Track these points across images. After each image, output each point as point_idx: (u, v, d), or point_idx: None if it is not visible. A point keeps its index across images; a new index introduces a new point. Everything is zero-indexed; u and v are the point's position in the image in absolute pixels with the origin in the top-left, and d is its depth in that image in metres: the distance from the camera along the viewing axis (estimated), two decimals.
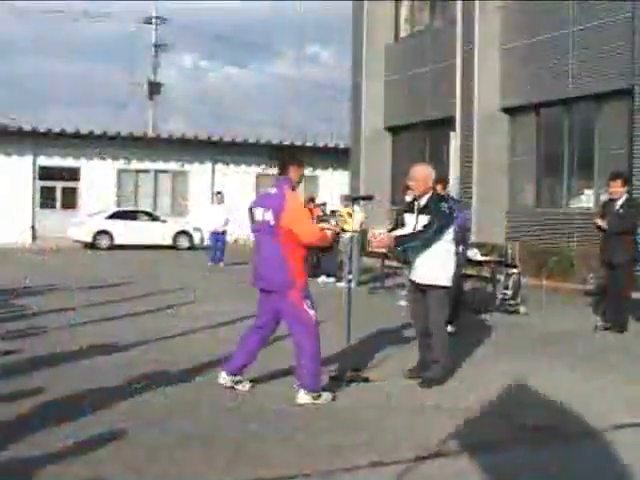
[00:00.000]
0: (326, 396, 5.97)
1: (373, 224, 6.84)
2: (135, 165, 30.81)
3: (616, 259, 9.68)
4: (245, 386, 6.25)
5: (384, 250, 9.69)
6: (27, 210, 28.96)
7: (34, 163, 29.14)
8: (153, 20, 41.89)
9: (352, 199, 12.09)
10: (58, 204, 29.78)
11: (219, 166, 31.93)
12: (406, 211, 6.88)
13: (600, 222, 9.79)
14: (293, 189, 6.13)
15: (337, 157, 30.10)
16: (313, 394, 5.90)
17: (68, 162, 29.60)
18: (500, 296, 11.36)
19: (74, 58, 77.21)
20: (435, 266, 6.54)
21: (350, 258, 14.10)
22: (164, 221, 27.90)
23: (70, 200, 29.82)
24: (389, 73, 23.02)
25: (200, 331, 9.25)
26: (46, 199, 29.47)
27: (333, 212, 14.19)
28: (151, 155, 30.85)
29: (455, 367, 7.05)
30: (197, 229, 27.00)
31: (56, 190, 29.75)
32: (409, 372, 6.73)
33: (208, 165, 31.80)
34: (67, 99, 71.11)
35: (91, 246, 26.19)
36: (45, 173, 29.26)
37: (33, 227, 29.08)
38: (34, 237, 28.92)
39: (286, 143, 31.90)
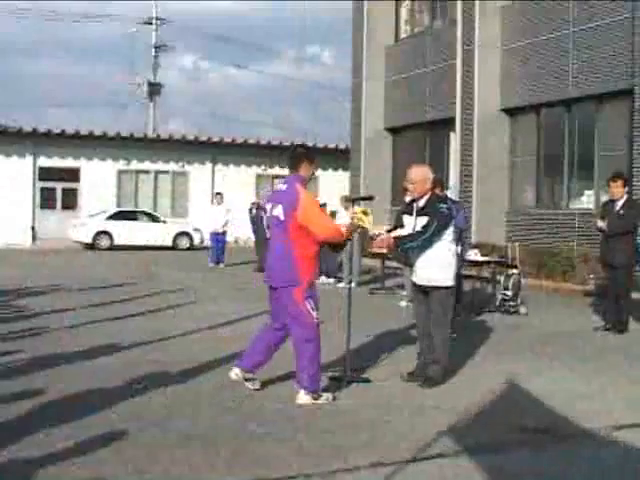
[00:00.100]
0: (326, 396, 5.97)
1: (373, 224, 6.80)
2: (135, 166, 30.81)
3: (616, 260, 9.68)
4: (255, 384, 6.20)
5: (384, 251, 9.67)
6: (27, 211, 28.96)
7: (34, 164, 29.14)
8: (153, 21, 41.89)
9: (352, 200, 12.10)
10: (58, 205, 29.77)
11: (219, 167, 31.94)
12: (405, 213, 6.85)
13: (600, 223, 9.79)
14: (304, 186, 6.08)
15: (337, 158, 30.10)
16: (313, 394, 5.90)
17: (68, 163, 29.60)
18: (500, 296, 11.36)
19: (74, 59, 77.30)
20: (437, 267, 6.53)
21: (350, 259, 14.21)
22: (164, 222, 27.93)
23: (70, 201, 29.81)
24: (389, 74, 23.03)
25: (200, 331, 9.25)
26: (46, 200, 29.46)
27: (333, 213, 14.21)
28: (151, 156, 30.86)
29: (455, 367, 7.05)
30: (197, 230, 27.02)
31: (56, 191, 29.74)
32: (408, 375, 6.72)
33: (208, 166, 31.81)
34: (67, 100, 71.20)
35: (91, 247, 26.21)
36: (45, 174, 29.26)
37: (33, 228, 29.08)
38: (34, 238, 28.91)
39: (286, 144, 31.89)
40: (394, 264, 13.82)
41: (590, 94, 16.40)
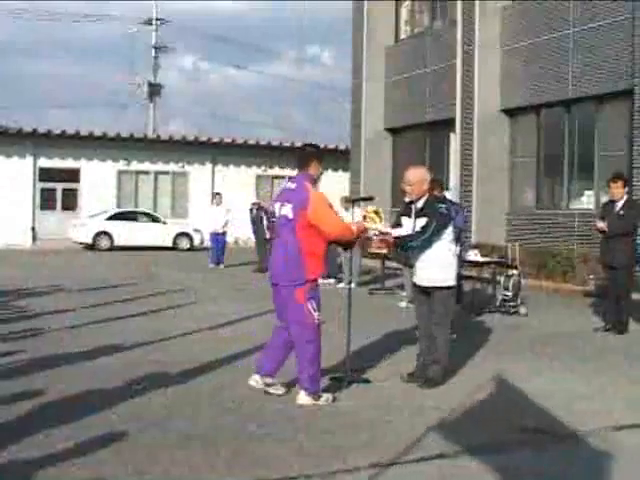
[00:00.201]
0: (326, 397, 5.97)
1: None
2: (135, 166, 30.81)
3: (616, 260, 9.68)
4: (278, 390, 6.10)
5: (384, 251, 9.70)
6: (27, 211, 28.96)
7: (34, 164, 29.14)
8: (153, 21, 41.89)
9: (352, 200, 12.11)
10: (58, 205, 29.77)
11: (219, 167, 31.94)
12: (403, 214, 6.84)
13: (601, 224, 9.78)
14: (313, 185, 6.06)
15: (337, 158, 30.12)
16: (313, 395, 5.90)
17: (68, 163, 29.61)
18: (500, 297, 11.36)
19: (74, 59, 77.31)
20: (438, 267, 6.53)
21: (350, 259, 14.21)
22: (164, 222, 27.93)
23: (70, 201, 29.82)
24: (389, 74, 23.04)
25: (201, 332, 9.26)
26: (46, 200, 29.46)
27: None
28: (151, 156, 30.87)
29: (455, 368, 7.05)
30: (197, 230, 27.03)
31: (56, 191, 29.74)
32: (408, 376, 6.72)
33: (208, 166, 31.81)
34: (67, 100, 71.25)
35: (91, 247, 26.21)
36: (45, 174, 29.25)
37: (33, 228, 29.08)
38: (34, 238, 28.92)
39: (286, 144, 31.91)
40: (394, 264, 13.83)
41: (590, 94, 16.41)
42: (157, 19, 41.92)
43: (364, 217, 6.55)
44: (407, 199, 6.78)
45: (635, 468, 4.69)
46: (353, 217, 9.78)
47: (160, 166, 31.19)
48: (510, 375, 6.94)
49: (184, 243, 27.35)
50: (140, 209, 29.37)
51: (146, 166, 30.98)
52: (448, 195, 12.86)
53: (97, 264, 20.48)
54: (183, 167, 31.49)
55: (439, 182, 9.96)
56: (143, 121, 40.86)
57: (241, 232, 26.29)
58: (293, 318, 5.95)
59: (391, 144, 23.52)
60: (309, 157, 6.17)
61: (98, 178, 29.71)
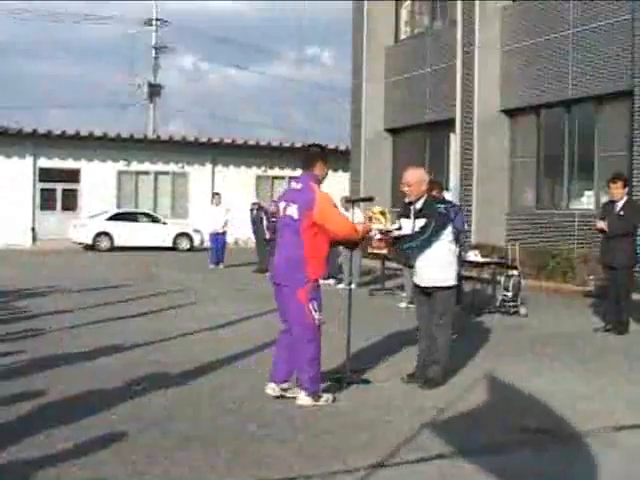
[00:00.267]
0: (326, 397, 5.97)
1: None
2: (135, 167, 30.81)
3: (616, 261, 9.68)
4: (296, 393, 6.03)
5: (384, 251, 9.68)
6: (27, 212, 28.95)
7: (34, 165, 29.13)
8: (153, 22, 41.90)
9: (352, 201, 12.12)
10: (58, 206, 29.76)
11: (219, 168, 31.94)
12: (402, 216, 6.84)
13: (601, 224, 9.78)
14: (318, 185, 6.06)
15: (337, 159, 30.11)
16: (313, 396, 5.90)
17: (68, 164, 29.60)
18: (500, 297, 11.36)
19: (74, 60, 77.34)
20: (438, 267, 6.53)
21: (350, 260, 14.21)
22: (164, 223, 27.94)
23: (70, 202, 29.81)
24: (389, 75, 23.04)
25: (201, 333, 9.25)
26: (46, 201, 29.45)
27: None
28: (151, 157, 30.87)
29: (455, 368, 7.05)
30: (197, 231, 27.03)
31: (56, 192, 29.72)
32: (408, 377, 6.72)
33: (208, 167, 31.81)
34: (67, 101, 71.26)
35: (91, 248, 26.21)
36: (45, 175, 29.24)
37: (33, 229, 29.07)
38: (34, 239, 28.91)
39: (286, 145, 31.92)
40: (394, 265, 13.83)
41: (590, 95, 16.41)
42: (157, 19, 41.92)
43: (370, 218, 6.54)
44: (406, 200, 6.78)
45: (636, 468, 4.69)
46: (353, 218, 9.77)
47: (160, 166, 31.18)
48: (510, 375, 6.94)
49: (184, 243, 27.36)
50: (140, 209, 29.37)
51: (146, 166, 30.98)
52: (448, 195, 12.89)
53: (97, 264, 20.48)
54: (183, 167, 31.49)
55: (439, 183, 9.98)
56: (143, 121, 40.89)
57: (241, 232, 26.30)
58: (294, 318, 5.95)
59: (391, 144, 23.52)
60: (314, 157, 6.18)
61: (98, 178, 29.71)
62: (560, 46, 16.96)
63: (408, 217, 6.69)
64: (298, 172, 6.53)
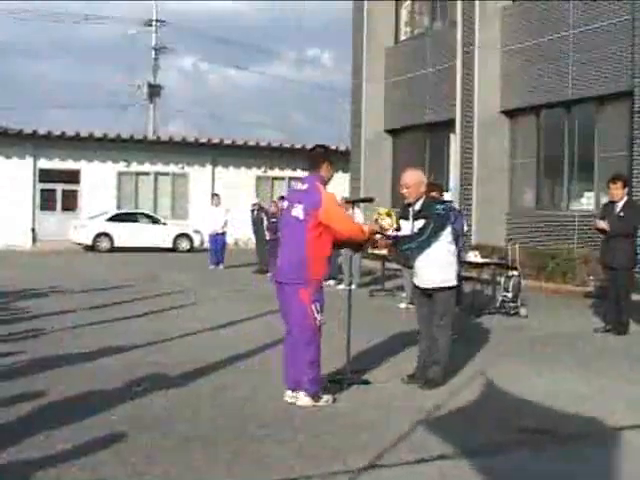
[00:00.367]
0: (326, 398, 5.97)
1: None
2: (135, 167, 30.80)
3: (616, 261, 9.68)
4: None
5: (384, 252, 9.68)
6: (27, 212, 28.95)
7: (34, 165, 29.13)
8: (153, 23, 41.89)
9: (352, 202, 12.12)
10: (58, 206, 29.76)
11: (219, 168, 31.94)
12: (401, 217, 6.84)
13: (602, 224, 9.76)
14: (324, 186, 6.08)
15: (337, 159, 30.13)
16: (314, 396, 5.90)
17: (68, 164, 29.60)
18: (500, 298, 11.36)
19: (74, 60, 77.36)
20: (438, 268, 6.54)
21: (350, 260, 14.21)
22: (164, 223, 27.94)
23: (70, 202, 29.80)
24: (389, 75, 23.03)
25: (201, 333, 9.25)
26: (46, 201, 29.45)
27: None
28: (151, 157, 30.87)
29: (456, 369, 7.05)
30: (197, 231, 27.04)
31: (56, 192, 29.72)
32: (408, 378, 6.72)
33: (208, 167, 31.81)
34: (67, 102, 71.24)
35: (91, 248, 26.21)
36: (45, 175, 29.24)
37: (33, 229, 29.07)
38: (34, 239, 28.92)
39: (286, 145, 31.94)
40: (394, 266, 13.83)
41: (590, 96, 16.41)
42: (157, 20, 41.92)
43: (375, 220, 6.55)
44: (406, 201, 6.79)
45: (636, 469, 4.69)
46: (353, 218, 9.78)
47: (160, 167, 31.18)
48: (510, 376, 6.95)
49: (184, 244, 27.36)
50: (140, 210, 29.36)
51: (146, 167, 30.98)
52: (448, 196, 12.90)
53: (97, 265, 20.48)
54: (183, 168, 31.48)
55: (439, 186, 9.99)
56: (143, 122, 40.89)
57: (241, 233, 26.31)
58: (295, 318, 5.96)
59: (391, 145, 23.51)
60: (321, 159, 6.21)
61: (98, 179, 29.71)
62: (560, 46, 16.96)
63: (407, 219, 6.69)
64: (298, 173, 6.55)
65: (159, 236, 27.16)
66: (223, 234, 19.95)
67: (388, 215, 6.52)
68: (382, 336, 9.02)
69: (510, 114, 18.88)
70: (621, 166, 14.92)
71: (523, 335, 9.62)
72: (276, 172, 32.34)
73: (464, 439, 5.09)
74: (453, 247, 6.79)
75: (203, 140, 31.47)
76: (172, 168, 31.36)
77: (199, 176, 31.52)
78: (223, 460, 4.62)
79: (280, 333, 6.48)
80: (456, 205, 16.08)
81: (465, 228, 11.54)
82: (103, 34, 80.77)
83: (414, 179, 6.66)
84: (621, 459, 4.83)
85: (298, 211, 5.96)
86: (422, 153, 21.65)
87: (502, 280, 11.51)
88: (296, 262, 5.90)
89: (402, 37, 23.27)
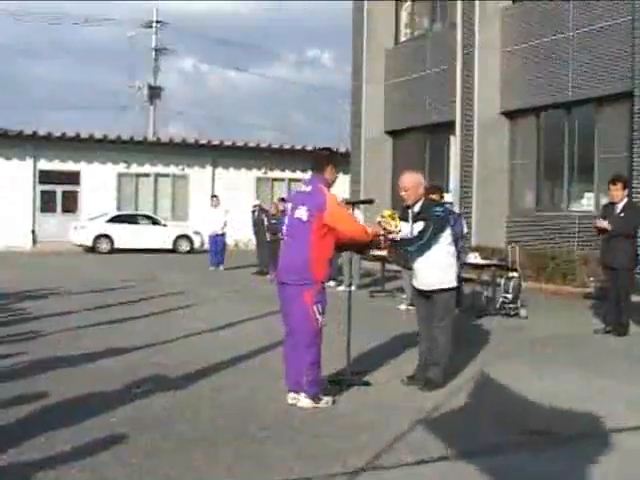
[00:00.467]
0: (327, 400, 5.97)
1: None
2: (135, 169, 30.83)
3: (617, 261, 9.68)
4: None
5: (384, 253, 9.70)
6: (27, 214, 28.97)
7: (34, 167, 29.16)
8: (153, 24, 41.92)
9: (352, 203, 12.11)
10: (58, 208, 29.79)
11: (219, 170, 31.96)
12: (401, 220, 6.84)
13: (603, 223, 9.74)
14: (328, 189, 6.11)
15: (339, 161, 30.15)
16: (314, 398, 5.90)
17: (68, 166, 29.63)
18: (500, 299, 11.36)
19: (74, 62, 77.38)
20: (437, 270, 6.54)
21: (350, 261, 14.21)
22: (164, 225, 27.95)
23: (70, 204, 29.83)
24: (389, 76, 23.03)
25: (201, 334, 9.26)
26: (46, 203, 29.48)
27: None
28: (151, 159, 30.89)
29: (456, 370, 7.05)
30: (197, 233, 27.05)
31: (56, 194, 29.76)
32: (408, 379, 6.72)
33: (208, 169, 31.83)
34: (68, 103, 71.22)
35: (91, 250, 26.22)
36: (45, 177, 29.27)
37: (33, 231, 29.09)
38: (34, 241, 28.93)
39: (286, 147, 31.95)
40: (394, 267, 13.83)
41: (590, 97, 16.41)
42: (157, 21, 41.95)
43: (379, 222, 6.56)
44: (405, 204, 6.80)
45: (635, 470, 4.69)
46: None
47: (160, 169, 31.21)
48: (510, 377, 6.94)
49: (184, 245, 27.38)
50: (140, 212, 29.39)
51: (146, 169, 31.00)
52: (448, 197, 12.90)
53: (97, 266, 20.48)
54: (183, 170, 31.51)
55: (439, 188, 9.99)
56: (143, 123, 40.92)
57: (242, 234, 26.31)
58: (296, 319, 5.96)
59: (391, 146, 23.50)
60: (325, 161, 6.24)
61: (98, 181, 29.74)
62: (560, 47, 16.96)
63: (407, 221, 6.70)
64: (298, 174, 6.57)
65: (159, 237, 27.19)
66: (223, 235, 19.96)
67: (392, 218, 6.52)
68: (382, 337, 9.02)
69: (510, 115, 18.87)
70: (621, 167, 14.91)
71: (523, 336, 9.62)
72: (276, 173, 32.36)
73: (464, 440, 5.09)
74: (452, 249, 6.80)
75: (203, 141, 31.50)
76: (172, 169, 31.38)
77: (199, 177, 31.54)
78: (223, 461, 4.62)
79: (280, 334, 6.48)
80: (456, 207, 16.07)
81: (465, 230, 11.56)
82: (103, 35, 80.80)
83: (412, 181, 6.67)
84: (621, 460, 4.83)
85: (302, 213, 5.97)
86: (422, 154, 21.65)
87: (502, 281, 11.51)
88: (299, 263, 5.92)
89: (402, 38, 23.27)
